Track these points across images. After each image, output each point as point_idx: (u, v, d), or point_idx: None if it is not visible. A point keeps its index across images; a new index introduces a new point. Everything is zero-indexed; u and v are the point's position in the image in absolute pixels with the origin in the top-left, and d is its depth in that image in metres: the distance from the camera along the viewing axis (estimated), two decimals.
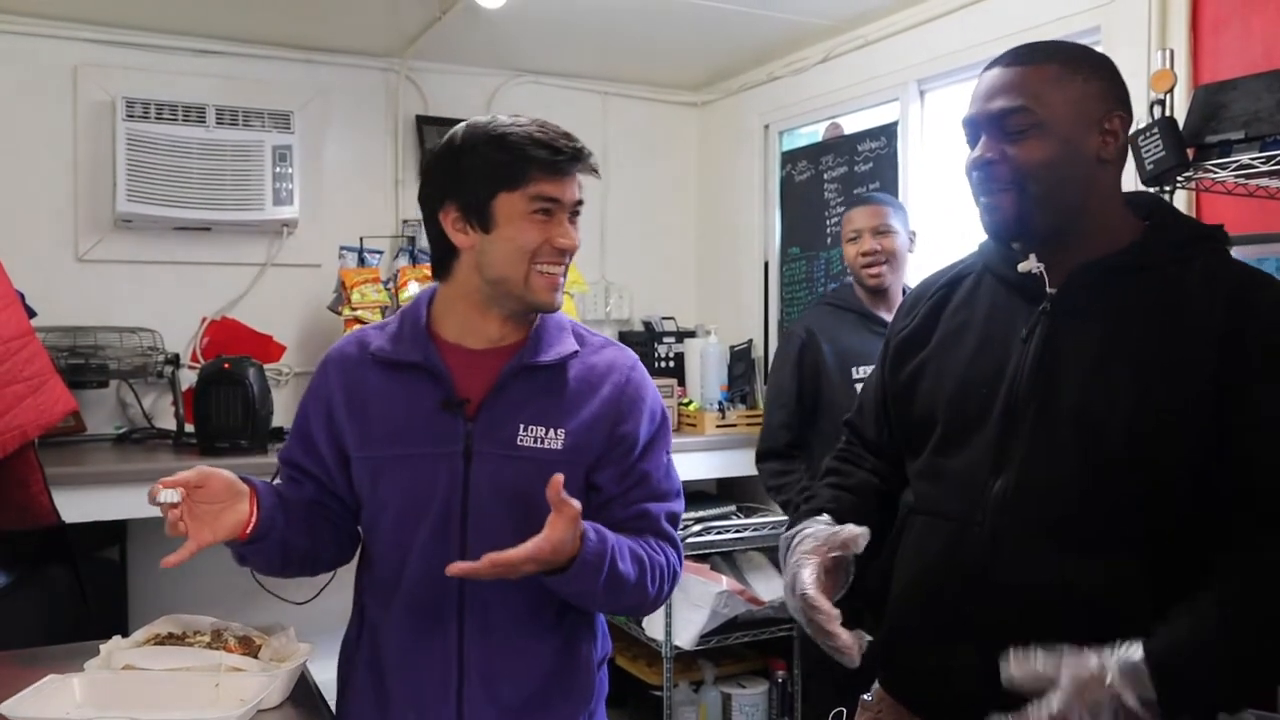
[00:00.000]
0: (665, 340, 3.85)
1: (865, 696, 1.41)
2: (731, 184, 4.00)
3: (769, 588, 3.16)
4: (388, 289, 3.33)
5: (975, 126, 1.26)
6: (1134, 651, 1.04)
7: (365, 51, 3.61)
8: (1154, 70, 2.02)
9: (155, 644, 1.51)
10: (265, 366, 3.04)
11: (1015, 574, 1.20)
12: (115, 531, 3.06)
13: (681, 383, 3.65)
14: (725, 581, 3.05)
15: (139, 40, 3.32)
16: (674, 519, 1.48)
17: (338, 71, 3.61)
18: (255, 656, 1.49)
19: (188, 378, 3.12)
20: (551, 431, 1.40)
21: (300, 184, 3.38)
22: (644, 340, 3.88)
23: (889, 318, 2.34)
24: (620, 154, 4.04)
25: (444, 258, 1.43)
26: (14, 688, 1.32)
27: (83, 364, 3.00)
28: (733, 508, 3.51)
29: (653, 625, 3.07)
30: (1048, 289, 1.24)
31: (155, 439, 3.20)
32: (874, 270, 2.58)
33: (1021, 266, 1.26)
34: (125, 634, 1.54)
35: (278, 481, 1.50)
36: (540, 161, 1.35)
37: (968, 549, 1.24)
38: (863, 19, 3.24)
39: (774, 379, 2.75)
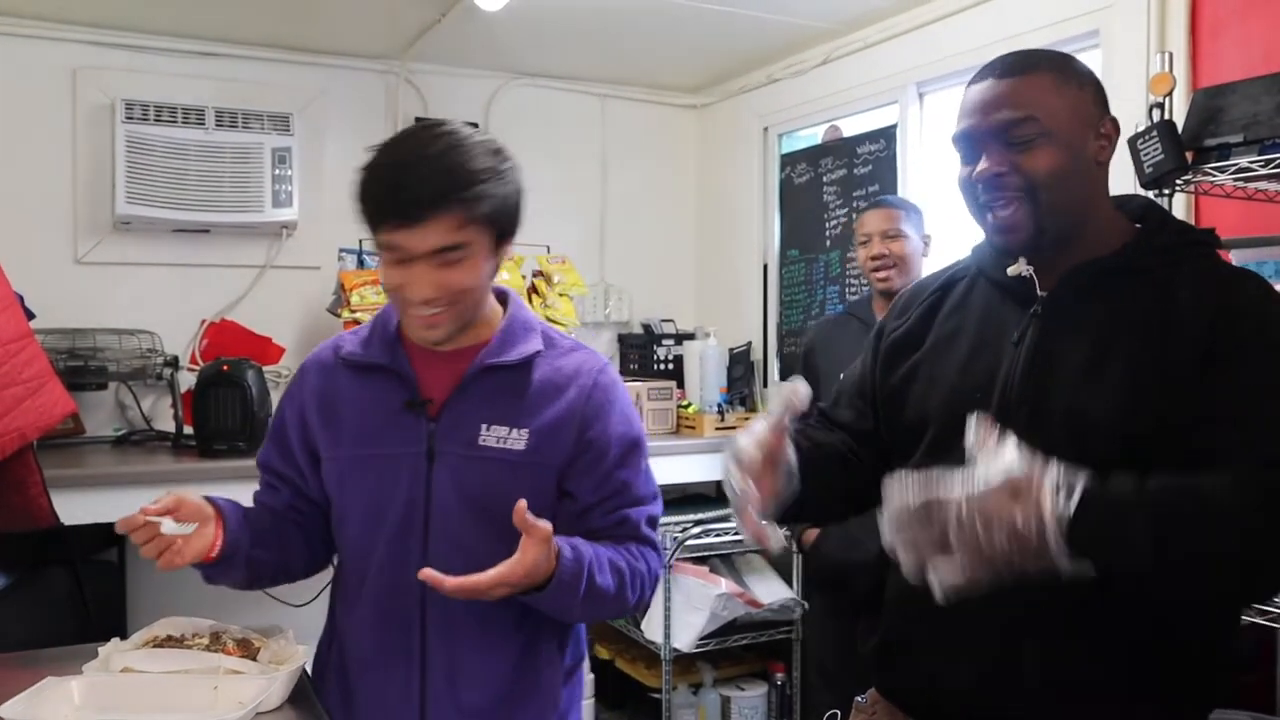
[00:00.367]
0: (664, 342, 3.84)
1: (859, 699, 1.41)
2: (731, 186, 4.00)
3: (768, 590, 3.16)
4: None
5: (975, 140, 1.23)
6: (1078, 478, 1.01)
7: (364, 54, 3.61)
8: (1153, 73, 2.02)
9: (154, 646, 1.50)
10: (264, 369, 3.03)
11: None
12: (114, 534, 3.04)
13: (680, 385, 3.64)
14: (724, 584, 3.05)
15: (138, 43, 3.32)
16: (653, 522, 1.47)
17: (337, 74, 3.61)
18: (254, 659, 1.48)
19: (187, 380, 3.11)
20: (514, 432, 1.39)
21: (299, 186, 3.38)
22: (643, 342, 3.88)
23: None
24: (619, 156, 4.04)
25: None
26: (12, 690, 1.32)
27: (82, 366, 3.00)
28: (732, 510, 3.49)
29: (651, 628, 3.07)
30: (1039, 292, 1.24)
31: (154, 441, 3.20)
32: (882, 274, 2.59)
33: (1011, 270, 1.26)
34: (124, 636, 1.54)
35: (256, 489, 1.52)
36: (375, 212, 1.34)
37: None
38: (862, 21, 3.24)
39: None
